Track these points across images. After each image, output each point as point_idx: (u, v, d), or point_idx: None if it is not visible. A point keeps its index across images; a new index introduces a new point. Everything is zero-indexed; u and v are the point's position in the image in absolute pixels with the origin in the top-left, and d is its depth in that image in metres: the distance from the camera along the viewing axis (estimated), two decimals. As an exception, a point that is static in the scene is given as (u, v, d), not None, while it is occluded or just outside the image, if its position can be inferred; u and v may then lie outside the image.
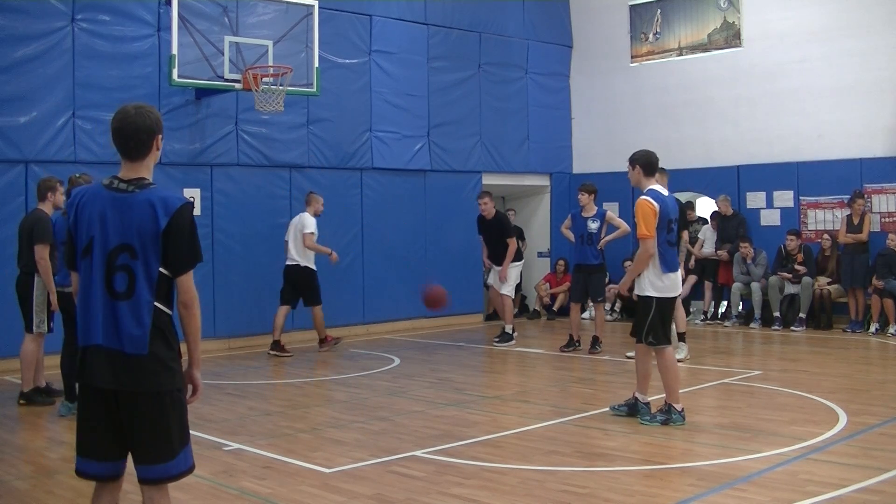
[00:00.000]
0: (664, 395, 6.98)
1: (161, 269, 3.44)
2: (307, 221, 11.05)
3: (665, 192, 7.00)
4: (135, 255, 3.41)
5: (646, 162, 6.93)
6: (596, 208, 10.80)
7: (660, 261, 6.79)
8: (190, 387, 3.63)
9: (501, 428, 6.88)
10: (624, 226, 10.63)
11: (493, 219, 11.74)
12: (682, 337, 10.11)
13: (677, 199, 7.50)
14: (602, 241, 10.74)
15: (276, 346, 11.00)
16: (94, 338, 3.43)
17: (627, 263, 12.63)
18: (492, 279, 12.07)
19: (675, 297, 7.05)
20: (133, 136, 3.58)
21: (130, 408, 3.44)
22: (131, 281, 3.40)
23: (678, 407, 6.87)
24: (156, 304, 3.43)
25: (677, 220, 7.05)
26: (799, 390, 8.13)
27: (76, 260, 3.54)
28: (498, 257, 11.81)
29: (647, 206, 6.71)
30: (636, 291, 7.02)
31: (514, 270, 11.83)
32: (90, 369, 3.45)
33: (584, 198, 10.81)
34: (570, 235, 10.99)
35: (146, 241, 3.41)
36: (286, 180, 12.33)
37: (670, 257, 6.86)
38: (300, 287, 11.08)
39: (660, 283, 6.82)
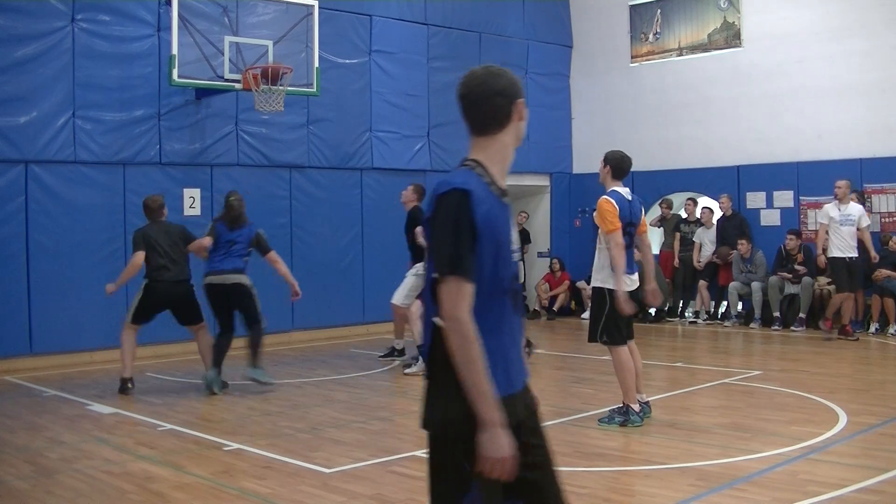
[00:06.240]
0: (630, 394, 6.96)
1: None
2: None
3: (629, 196, 7.04)
4: None
5: (616, 165, 7.06)
6: None
7: (613, 262, 6.82)
8: None
9: (501, 428, 6.86)
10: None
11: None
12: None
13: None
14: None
15: None
16: None
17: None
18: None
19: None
20: None
21: None
22: None
23: (636, 407, 6.87)
24: None
25: (636, 224, 7.07)
26: (799, 390, 8.13)
27: None
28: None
29: (605, 204, 6.86)
30: (592, 283, 7.06)
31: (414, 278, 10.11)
32: None
33: None
34: None
35: None
36: (286, 180, 12.33)
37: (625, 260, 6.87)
38: None
39: (613, 281, 6.83)
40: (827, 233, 11.38)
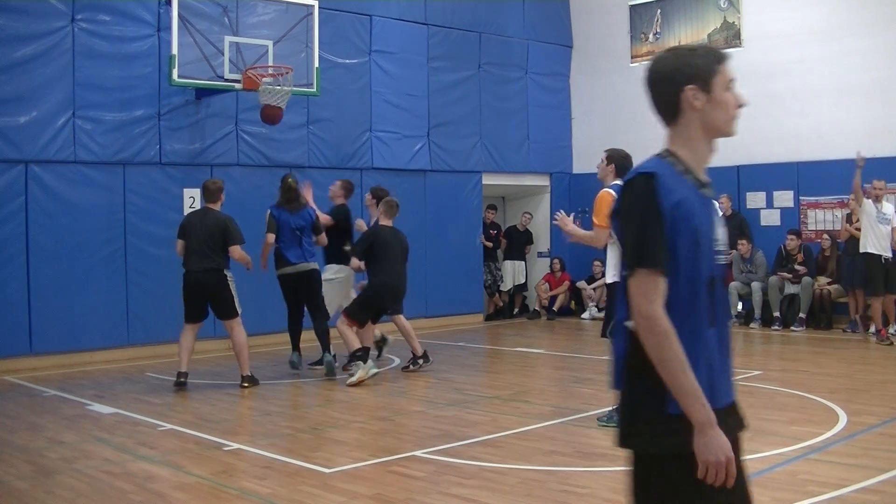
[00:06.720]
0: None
1: None
2: None
3: None
4: None
5: (621, 164, 7.03)
6: None
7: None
8: None
9: (501, 428, 6.88)
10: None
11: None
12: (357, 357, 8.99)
13: None
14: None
15: None
16: None
17: (597, 262, 13.76)
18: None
19: None
20: None
21: None
22: None
23: None
24: None
25: None
26: (799, 390, 8.13)
27: None
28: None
29: (606, 197, 6.80)
30: (606, 279, 7.06)
31: (327, 284, 9.67)
32: None
33: None
34: None
35: None
36: (286, 180, 12.32)
37: None
38: None
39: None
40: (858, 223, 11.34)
